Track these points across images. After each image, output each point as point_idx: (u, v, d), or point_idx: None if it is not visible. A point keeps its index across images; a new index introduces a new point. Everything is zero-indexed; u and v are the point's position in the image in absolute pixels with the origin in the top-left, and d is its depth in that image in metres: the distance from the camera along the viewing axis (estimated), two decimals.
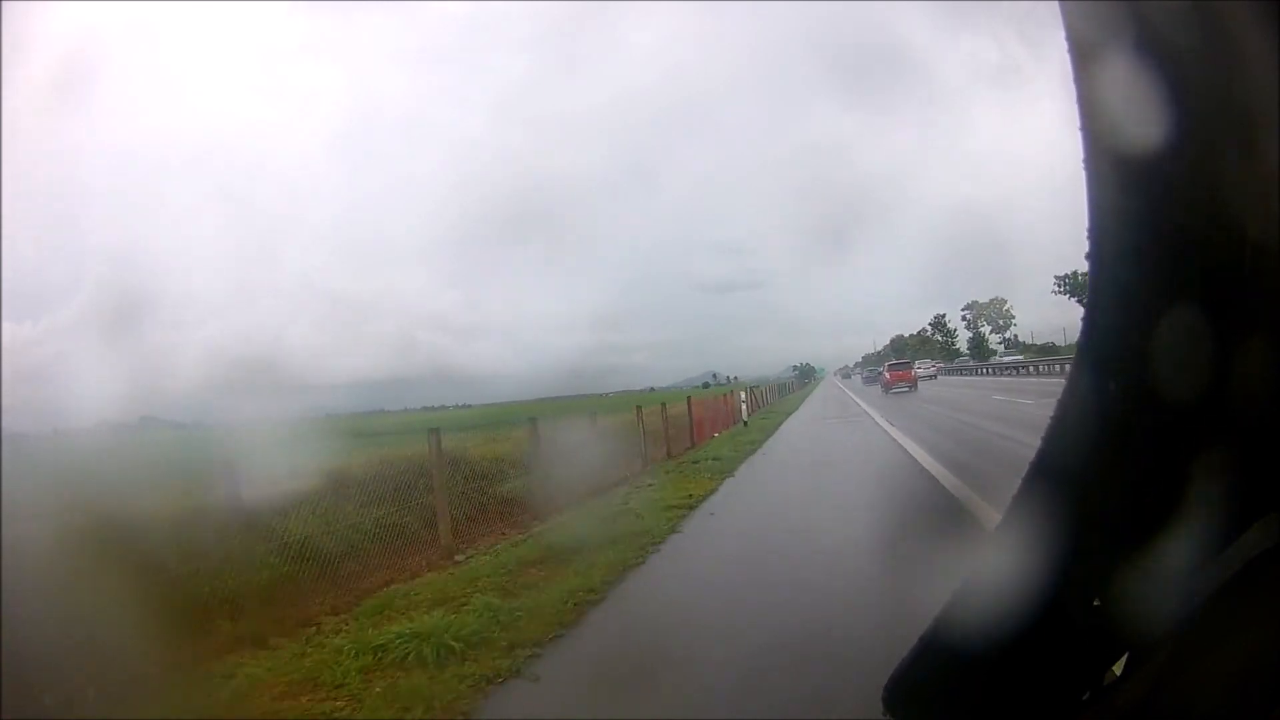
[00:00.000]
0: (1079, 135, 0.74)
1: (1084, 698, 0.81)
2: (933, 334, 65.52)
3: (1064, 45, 0.73)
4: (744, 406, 22.60)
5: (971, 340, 62.90)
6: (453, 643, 4.02)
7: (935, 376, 37.99)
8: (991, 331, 62.00)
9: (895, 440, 12.71)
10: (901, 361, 37.88)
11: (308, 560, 5.77)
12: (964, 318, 63.80)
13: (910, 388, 30.20)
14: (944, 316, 64.98)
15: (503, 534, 7.69)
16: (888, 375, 32.75)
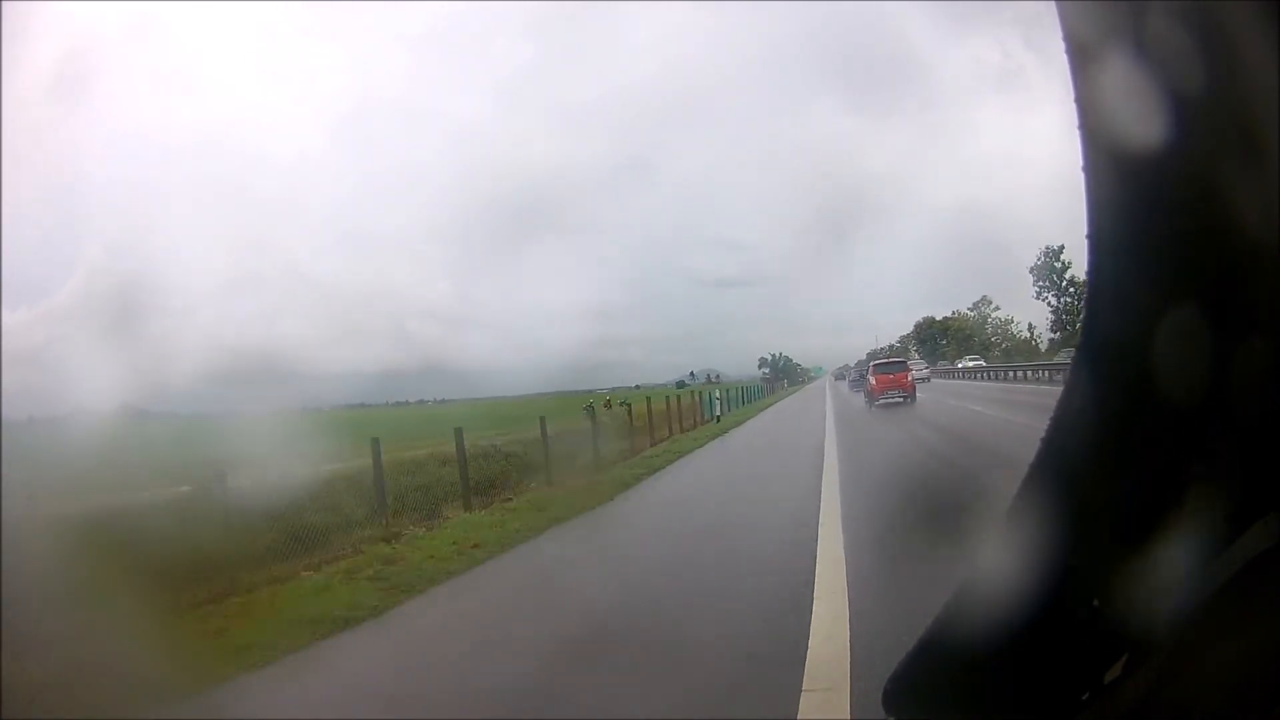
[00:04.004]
0: (1078, 135, 0.74)
1: (1084, 697, 0.81)
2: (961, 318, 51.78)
3: (1062, 46, 0.73)
4: None
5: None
6: None
7: (929, 379, 31.28)
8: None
9: None
10: (893, 361, 26.69)
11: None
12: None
13: (906, 398, 20.89)
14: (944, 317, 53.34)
15: None
16: (874, 380, 22.07)
